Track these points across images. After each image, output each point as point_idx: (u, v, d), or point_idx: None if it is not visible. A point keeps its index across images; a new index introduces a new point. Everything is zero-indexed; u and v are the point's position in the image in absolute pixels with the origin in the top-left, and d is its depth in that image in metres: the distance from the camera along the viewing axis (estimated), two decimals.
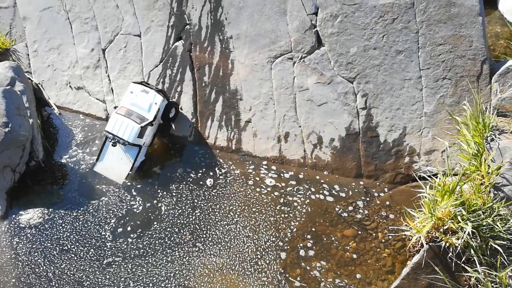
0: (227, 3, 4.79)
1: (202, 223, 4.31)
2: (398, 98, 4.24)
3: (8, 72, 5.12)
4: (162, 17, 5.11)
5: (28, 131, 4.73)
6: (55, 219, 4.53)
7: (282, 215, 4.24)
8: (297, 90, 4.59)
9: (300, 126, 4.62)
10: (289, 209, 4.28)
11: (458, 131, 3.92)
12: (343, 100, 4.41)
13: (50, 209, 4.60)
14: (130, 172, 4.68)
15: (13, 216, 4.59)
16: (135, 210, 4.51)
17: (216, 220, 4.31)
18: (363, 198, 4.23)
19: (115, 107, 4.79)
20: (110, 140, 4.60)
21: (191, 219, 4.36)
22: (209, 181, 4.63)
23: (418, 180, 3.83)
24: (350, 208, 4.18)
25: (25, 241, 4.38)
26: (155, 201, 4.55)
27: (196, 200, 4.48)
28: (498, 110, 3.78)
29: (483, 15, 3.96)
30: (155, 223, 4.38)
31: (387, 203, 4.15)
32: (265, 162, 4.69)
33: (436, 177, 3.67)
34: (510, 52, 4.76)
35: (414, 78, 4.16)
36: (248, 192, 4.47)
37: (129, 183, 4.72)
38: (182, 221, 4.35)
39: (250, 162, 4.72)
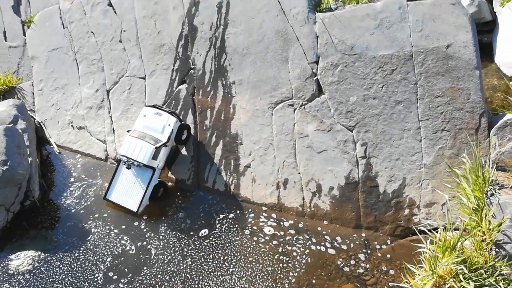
0: (231, 50, 4.92)
1: (194, 273, 4.15)
2: (398, 148, 4.24)
3: (11, 110, 5.20)
4: (167, 60, 5.23)
5: (26, 170, 4.71)
6: (47, 263, 4.39)
7: (280, 265, 4.12)
8: (297, 136, 4.61)
9: (299, 173, 4.59)
10: (287, 259, 4.16)
11: (457, 184, 3.89)
12: (343, 148, 4.42)
13: (42, 254, 4.45)
14: (143, 203, 4.65)
15: (2, 259, 4.45)
16: (127, 253, 4.39)
17: (210, 270, 4.17)
18: (364, 250, 4.12)
19: (128, 131, 4.82)
20: (124, 163, 4.60)
21: (182, 267, 4.21)
22: (204, 228, 4.53)
23: (418, 234, 3.75)
24: (351, 261, 4.05)
25: (15, 286, 4.23)
26: (145, 243, 4.43)
27: (186, 249, 4.35)
28: (497, 164, 3.76)
29: (480, 68, 4.03)
30: (145, 268, 4.24)
31: (388, 256, 4.03)
32: (264, 209, 4.62)
33: (437, 231, 3.59)
34: (507, 104, 4.81)
35: (413, 129, 4.18)
36: (245, 240, 4.37)
37: (121, 226, 4.63)
38: (173, 269, 4.20)
39: (249, 209, 4.65)
